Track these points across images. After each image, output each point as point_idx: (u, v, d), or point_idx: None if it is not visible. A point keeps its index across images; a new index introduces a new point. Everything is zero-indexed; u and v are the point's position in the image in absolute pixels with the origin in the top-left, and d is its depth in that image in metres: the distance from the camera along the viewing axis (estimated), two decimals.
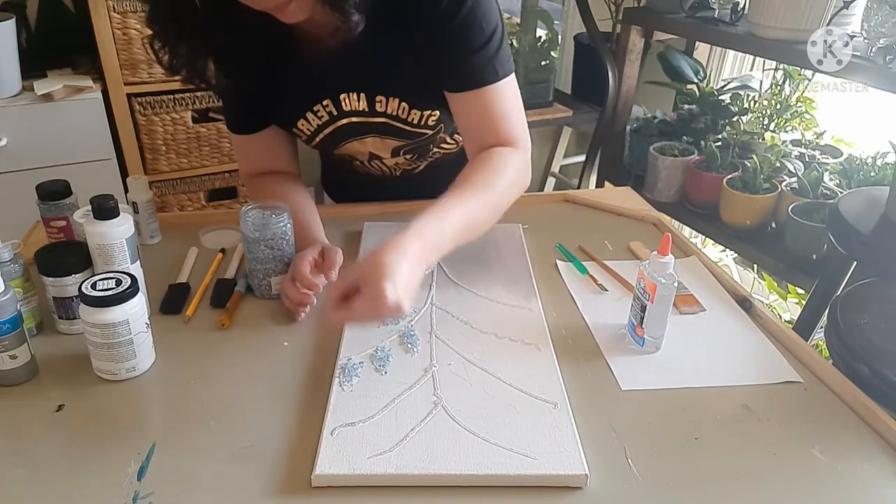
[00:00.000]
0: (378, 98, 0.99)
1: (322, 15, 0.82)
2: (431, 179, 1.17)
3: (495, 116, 0.95)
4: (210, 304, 0.94)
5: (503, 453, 0.68)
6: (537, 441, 0.69)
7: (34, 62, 1.91)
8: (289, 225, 0.92)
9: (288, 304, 0.90)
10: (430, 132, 1.04)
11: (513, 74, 0.96)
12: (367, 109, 1.00)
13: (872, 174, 1.67)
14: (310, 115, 1.02)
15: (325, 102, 1.00)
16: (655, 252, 0.81)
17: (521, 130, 0.97)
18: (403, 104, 0.99)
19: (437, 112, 1.01)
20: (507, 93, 0.95)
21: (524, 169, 0.97)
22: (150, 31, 0.88)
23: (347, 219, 1.16)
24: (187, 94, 2.00)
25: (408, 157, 1.11)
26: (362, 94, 0.99)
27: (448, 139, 1.11)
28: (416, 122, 1.01)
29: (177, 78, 0.93)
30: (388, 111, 1.00)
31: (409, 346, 0.84)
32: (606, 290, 0.98)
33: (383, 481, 0.66)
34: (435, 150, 1.12)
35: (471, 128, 0.98)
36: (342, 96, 1.00)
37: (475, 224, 0.87)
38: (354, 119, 1.02)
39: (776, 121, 1.98)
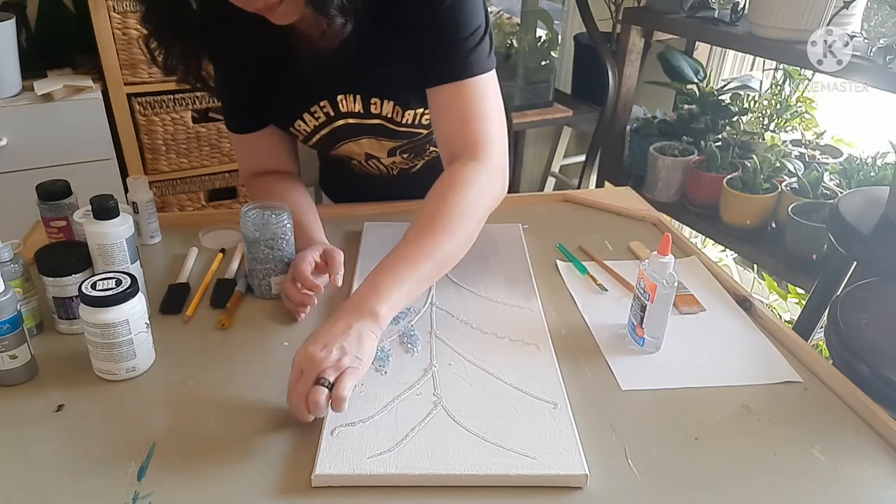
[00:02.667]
0: (373, 100, 0.99)
1: (311, 16, 0.82)
2: (429, 177, 1.16)
3: (469, 114, 0.90)
4: (210, 305, 0.93)
5: (503, 453, 0.68)
6: (537, 441, 0.69)
7: (34, 62, 1.91)
8: (289, 225, 0.92)
9: (288, 304, 0.90)
10: (424, 132, 1.04)
11: (492, 73, 0.92)
12: (362, 111, 1.01)
13: (872, 174, 1.68)
14: (307, 116, 1.02)
15: (322, 103, 1.00)
16: (655, 252, 0.81)
17: (495, 133, 0.91)
18: (397, 107, 0.99)
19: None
20: (484, 90, 0.91)
21: (490, 184, 0.90)
22: (145, 31, 0.89)
23: (347, 219, 1.16)
24: (187, 94, 2.00)
25: (404, 156, 1.11)
26: (358, 96, 0.99)
27: None
28: (409, 122, 1.01)
29: (173, 78, 0.93)
30: (383, 113, 1.00)
31: (409, 346, 0.84)
32: (606, 290, 0.98)
33: (383, 481, 0.66)
34: (431, 149, 1.12)
35: (444, 127, 0.93)
36: (339, 97, 1.00)
37: (427, 267, 0.82)
38: (351, 120, 1.02)
39: (776, 121, 1.98)
